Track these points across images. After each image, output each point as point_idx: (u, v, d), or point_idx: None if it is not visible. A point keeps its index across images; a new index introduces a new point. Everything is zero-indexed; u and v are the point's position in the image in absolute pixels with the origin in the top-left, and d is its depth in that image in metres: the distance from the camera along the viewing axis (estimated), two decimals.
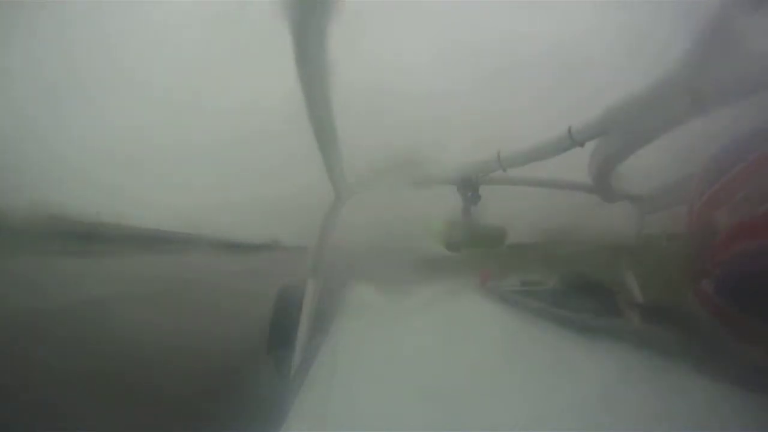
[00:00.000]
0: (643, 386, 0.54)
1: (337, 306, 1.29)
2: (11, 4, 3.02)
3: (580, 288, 1.02)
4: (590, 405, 0.50)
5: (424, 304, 1.24)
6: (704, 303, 0.57)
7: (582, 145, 0.81)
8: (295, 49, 0.52)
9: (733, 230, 0.52)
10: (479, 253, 1.39)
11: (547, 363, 0.66)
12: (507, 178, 1.06)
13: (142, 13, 3.85)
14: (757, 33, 0.49)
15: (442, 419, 0.49)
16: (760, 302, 0.49)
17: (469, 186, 1.08)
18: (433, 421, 0.48)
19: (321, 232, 1.36)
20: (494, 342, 0.82)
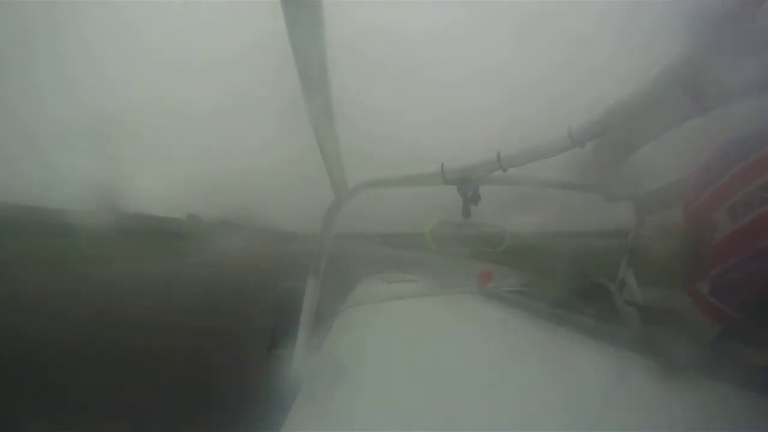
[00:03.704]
0: (643, 387, 0.54)
1: (337, 306, 1.29)
2: None
3: (579, 288, 1.02)
4: (590, 406, 0.50)
5: (423, 304, 1.24)
6: (699, 303, 0.57)
7: (582, 145, 0.81)
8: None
9: (733, 233, 0.51)
10: (479, 254, 1.39)
11: (547, 364, 0.66)
12: (507, 178, 1.05)
13: None
14: (758, 31, 0.49)
15: (442, 419, 0.49)
16: (758, 305, 0.49)
17: (469, 186, 1.07)
18: (432, 421, 0.48)
19: (321, 232, 1.36)
20: (494, 343, 0.81)
